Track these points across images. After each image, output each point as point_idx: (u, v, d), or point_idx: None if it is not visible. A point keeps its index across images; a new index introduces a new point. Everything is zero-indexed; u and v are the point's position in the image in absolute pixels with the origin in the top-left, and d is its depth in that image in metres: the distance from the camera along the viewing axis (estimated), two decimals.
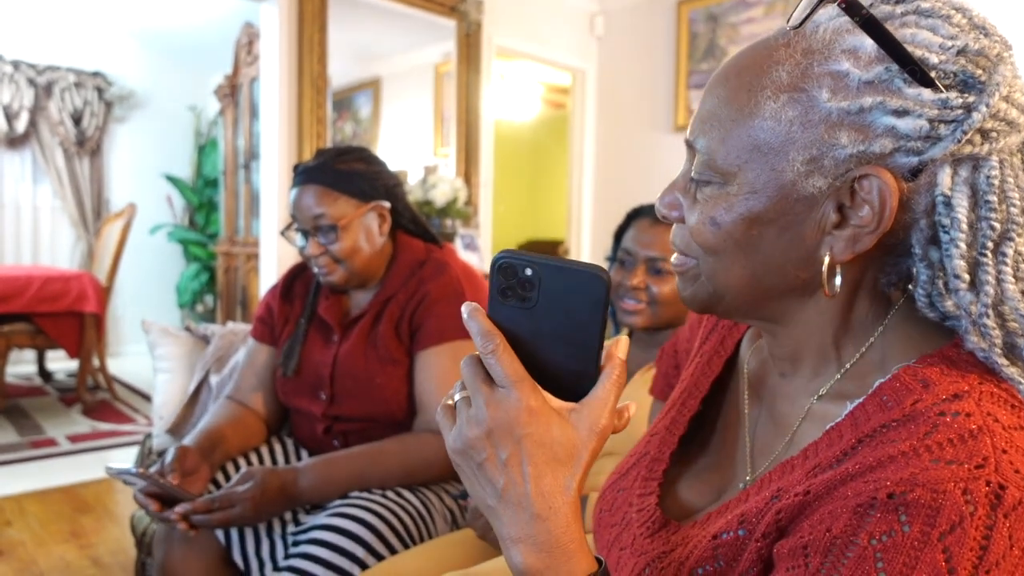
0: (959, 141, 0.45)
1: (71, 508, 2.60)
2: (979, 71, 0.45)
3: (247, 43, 4.28)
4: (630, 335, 1.39)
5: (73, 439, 3.37)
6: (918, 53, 0.45)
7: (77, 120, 5.25)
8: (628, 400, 1.16)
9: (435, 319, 1.33)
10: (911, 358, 0.50)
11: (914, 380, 0.47)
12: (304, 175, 1.34)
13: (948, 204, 0.46)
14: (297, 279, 1.52)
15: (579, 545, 0.47)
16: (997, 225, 0.45)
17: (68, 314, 3.74)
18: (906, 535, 0.40)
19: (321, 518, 1.18)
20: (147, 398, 4.17)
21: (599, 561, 0.48)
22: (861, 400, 0.49)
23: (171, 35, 5.36)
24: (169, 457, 1.20)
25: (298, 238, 1.37)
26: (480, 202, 4.02)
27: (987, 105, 0.44)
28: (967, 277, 0.46)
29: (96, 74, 5.30)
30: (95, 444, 3.31)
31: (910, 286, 0.53)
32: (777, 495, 0.49)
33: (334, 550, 1.11)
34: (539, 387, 0.48)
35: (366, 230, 1.35)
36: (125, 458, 3.13)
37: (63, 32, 5.16)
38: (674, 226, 0.57)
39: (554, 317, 0.47)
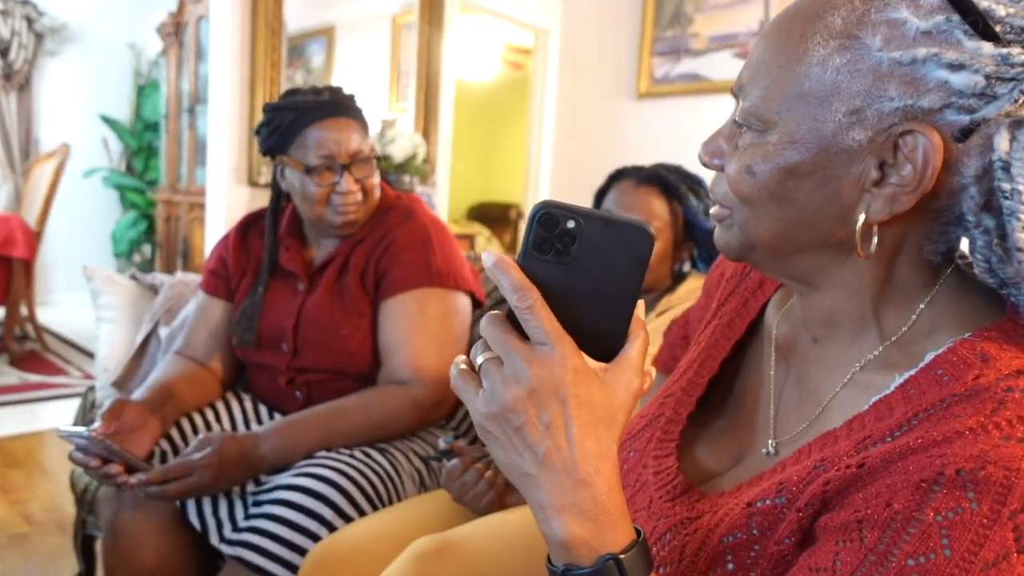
0: (1016, 101, 0.42)
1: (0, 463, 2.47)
2: None
3: None
4: None
5: (0, 391, 3.20)
6: (984, 4, 0.43)
7: (3, 52, 4.89)
8: None
9: (401, 267, 1.29)
10: (965, 331, 0.48)
11: (972, 354, 0.46)
12: (333, 108, 1.29)
13: (1007, 169, 0.44)
14: (251, 229, 1.45)
15: (622, 511, 0.45)
16: None
17: None
18: (975, 512, 0.39)
19: (285, 478, 1.13)
20: (80, 350, 3.99)
21: (637, 531, 0.46)
22: (912, 373, 0.48)
23: None
24: (102, 409, 1.13)
25: (316, 178, 1.27)
26: (438, 160, 3.93)
27: None
28: None
29: (25, 2, 4.92)
30: (23, 396, 3.15)
31: (958, 257, 0.52)
32: (821, 465, 0.47)
33: (300, 511, 1.07)
34: (576, 345, 0.45)
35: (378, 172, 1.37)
36: (60, 411, 2.98)
37: None
38: (715, 175, 0.56)
39: (592, 273, 0.45)
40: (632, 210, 1.27)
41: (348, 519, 1.09)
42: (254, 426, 1.37)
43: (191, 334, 1.40)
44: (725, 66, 3.71)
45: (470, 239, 3.98)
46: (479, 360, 0.46)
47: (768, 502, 0.49)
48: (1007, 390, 0.42)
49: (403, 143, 3.35)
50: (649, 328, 1.26)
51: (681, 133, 3.75)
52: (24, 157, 5.06)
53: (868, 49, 0.45)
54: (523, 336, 0.45)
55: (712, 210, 0.57)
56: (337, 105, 1.29)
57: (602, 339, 0.47)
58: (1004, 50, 0.42)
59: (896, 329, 0.52)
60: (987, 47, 0.42)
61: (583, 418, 0.44)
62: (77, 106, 5.29)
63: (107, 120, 5.36)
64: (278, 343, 1.33)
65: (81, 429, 1.06)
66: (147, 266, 5.28)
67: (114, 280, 1.69)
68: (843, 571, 0.42)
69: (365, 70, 4.48)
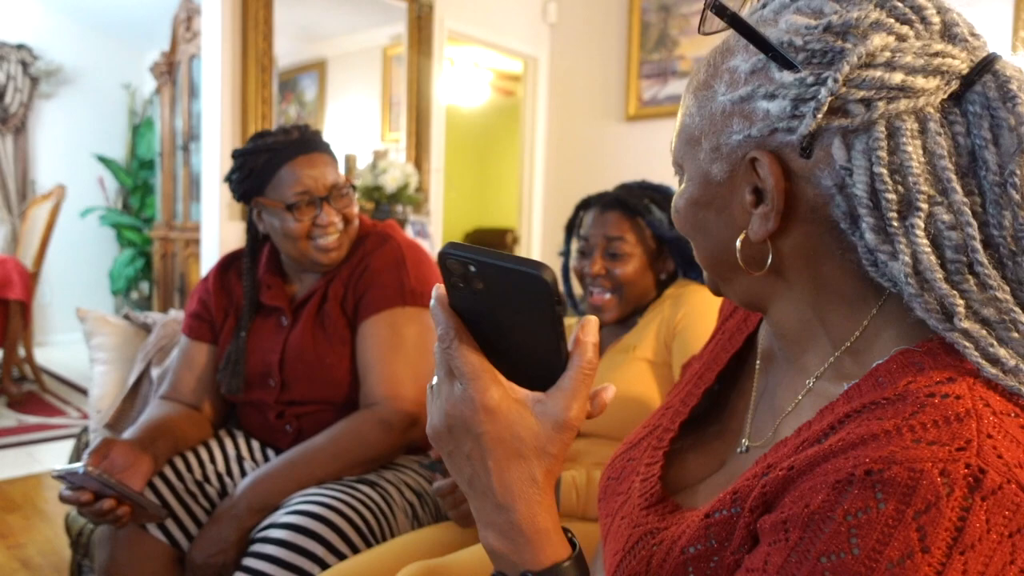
0: (815, 116, 0.45)
1: None
2: (845, 44, 0.45)
3: (186, 18, 4.10)
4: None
5: None
6: (786, 38, 0.47)
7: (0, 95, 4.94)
8: (600, 380, 1.15)
9: (375, 288, 1.31)
10: (911, 341, 0.49)
11: (910, 362, 0.47)
12: (306, 144, 1.31)
13: (851, 175, 0.46)
14: (230, 270, 1.45)
15: (544, 534, 0.48)
16: (891, 196, 0.45)
17: None
18: (881, 512, 0.39)
19: (280, 516, 1.12)
20: (78, 390, 3.98)
21: (572, 544, 0.49)
22: (857, 381, 0.49)
23: (103, 8, 5.08)
24: (89, 449, 1.13)
25: (295, 215, 1.29)
26: (431, 188, 3.95)
27: (835, 79, 0.44)
28: (887, 248, 0.46)
29: (20, 47, 4.99)
30: (22, 439, 3.13)
31: None
32: (767, 471, 0.48)
33: (292, 549, 1.06)
34: (500, 380, 0.48)
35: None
36: (58, 452, 2.97)
37: None
38: None
39: (506, 311, 0.46)
40: (604, 228, 1.31)
41: (341, 556, 1.08)
42: (247, 463, 1.37)
43: (177, 379, 1.40)
44: None
45: None
46: (433, 380, 0.51)
47: (724, 512, 0.50)
48: (929, 395, 0.43)
49: (395, 173, 3.38)
50: (638, 327, 1.26)
51: (670, 154, 3.78)
52: (21, 199, 5.09)
53: (715, 95, 0.51)
54: None
55: None
56: (308, 142, 1.31)
57: (538, 367, 0.48)
58: (800, 75, 0.47)
59: (846, 337, 0.53)
60: (787, 76, 0.47)
61: (498, 452, 0.47)
62: (73, 147, 5.33)
63: (103, 159, 5.40)
64: (265, 379, 1.34)
65: (76, 465, 1.05)
66: (145, 303, 5.28)
67: (107, 321, 1.69)
68: (771, 571, 0.43)
69: (357, 102, 4.52)
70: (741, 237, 0.52)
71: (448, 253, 0.45)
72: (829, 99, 0.45)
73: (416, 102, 3.86)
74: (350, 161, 3.90)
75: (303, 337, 1.31)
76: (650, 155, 3.91)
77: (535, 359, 0.47)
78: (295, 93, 4.71)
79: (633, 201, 1.30)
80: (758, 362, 0.64)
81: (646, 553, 0.55)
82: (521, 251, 4.76)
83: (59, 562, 2.07)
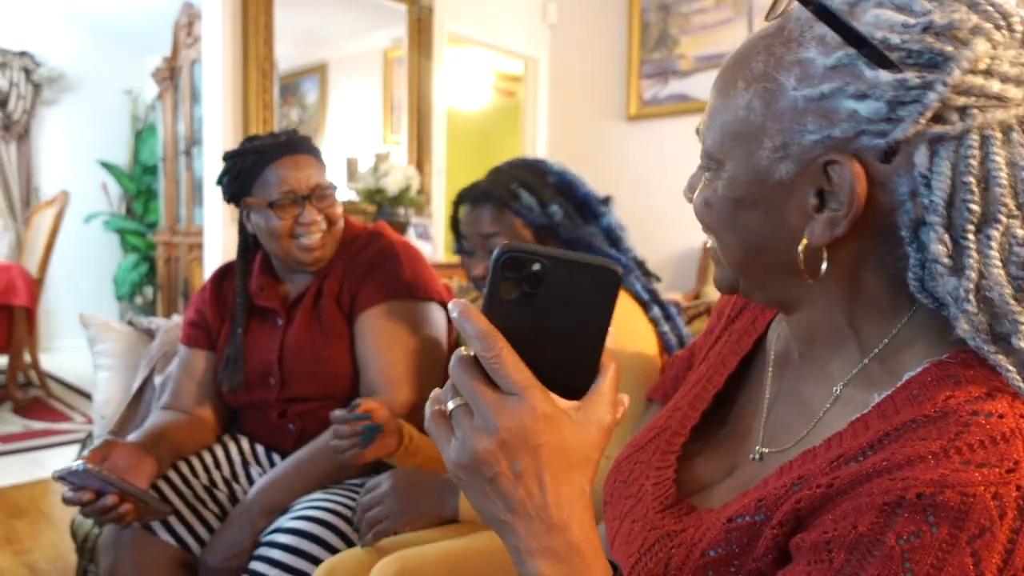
0: (918, 122, 0.44)
1: (4, 513, 2.46)
2: (947, 47, 0.44)
3: (187, 24, 4.11)
4: None
5: (4, 439, 3.20)
6: (880, 35, 0.45)
7: (3, 103, 4.96)
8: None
9: (371, 282, 1.33)
10: (942, 351, 0.49)
11: (945, 375, 0.47)
12: (290, 147, 1.33)
13: (928, 184, 0.45)
14: (226, 278, 1.48)
15: (596, 551, 0.45)
16: (975, 207, 0.44)
17: None
18: (935, 536, 0.39)
19: (284, 521, 1.13)
20: (84, 395, 4.00)
21: (614, 566, 0.46)
22: (889, 392, 0.49)
23: (104, 14, 5.10)
24: (89, 448, 1.14)
25: (278, 214, 1.31)
26: (433, 191, 3.96)
27: (944, 84, 0.43)
28: (948, 261, 0.45)
29: (23, 54, 5.01)
30: (28, 444, 3.15)
31: None
32: (798, 483, 0.48)
33: (295, 553, 1.07)
34: (546, 389, 0.45)
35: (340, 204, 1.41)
36: (64, 457, 2.98)
37: None
38: None
39: (559, 314, 0.45)
40: (477, 235, 1.21)
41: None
42: (254, 468, 1.38)
43: (177, 388, 1.41)
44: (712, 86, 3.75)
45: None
46: (450, 406, 0.46)
47: (747, 518, 0.49)
48: (972, 414, 0.43)
49: (397, 176, 3.38)
50: None
51: (672, 152, 3.78)
52: (25, 206, 5.11)
53: (784, 89, 0.48)
54: (492, 382, 0.44)
55: (709, 244, 0.60)
56: (294, 144, 1.34)
57: (571, 376, 0.46)
58: (900, 76, 0.44)
59: (874, 344, 0.52)
60: (884, 75, 0.44)
61: (555, 465, 0.44)
62: (76, 153, 5.35)
63: (106, 165, 5.42)
64: (265, 378, 1.35)
65: (76, 463, 1.05)
66: (149, 308, 5.30)
67: (110, 327, 1.70)
68: None
69: (358, 105, 4.53)
70: (804, 243, 0.50)
71: (511, 251, 0.44)
72: (935, 105, 0.43)
73: (417, 104, 3.87)
74: (352, 164, 3.91)
75: (300, 334, 1.33)
76: (651, 154, 3.91)
77: (570, 366, 0.46)
78: (296, 96, 4.72)
79: (499, 191, 1.19)
80: (771, 367, 0.63)
81: (664, 555, 0.55)
82: None
83: (65, 567, 2.08)
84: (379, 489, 1.07)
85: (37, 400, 3.83)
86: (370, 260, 1.35)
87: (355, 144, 4.28)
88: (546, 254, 0.44)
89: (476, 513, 0.47)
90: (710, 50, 3.75)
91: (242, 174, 1.33)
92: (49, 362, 4.55)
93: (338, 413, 1.09)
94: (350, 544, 1.11)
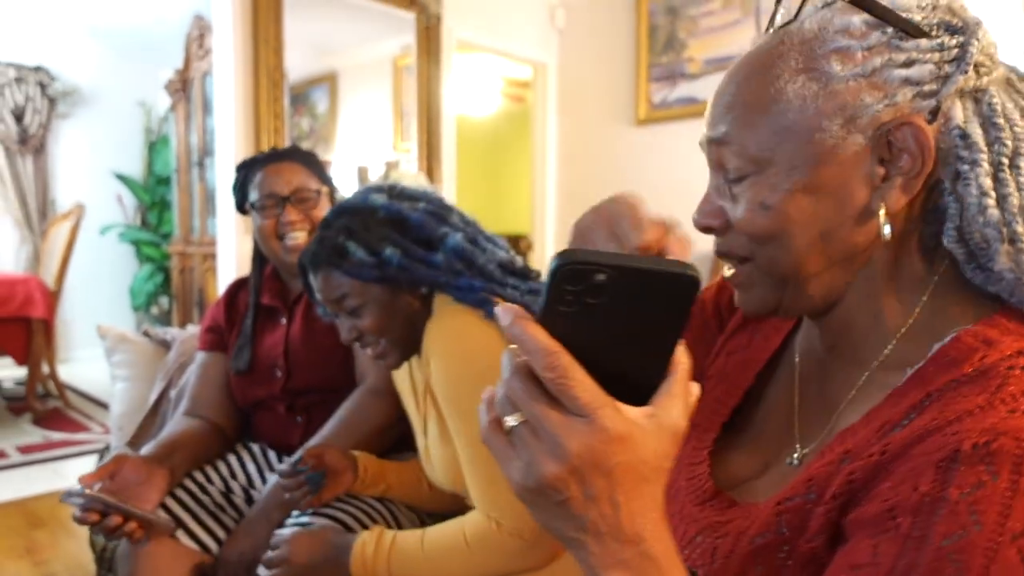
0: (965, 73, 0.50)
1: (24, 523, 2.49)
2: (955, 18, 0.52)
3: (198, 36, 4.15)
4: None
5: (24, 450, 3.24)
6: (903, 15, 0.52)
7: (19, 117, 5.03)
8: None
9: None
10: (967, 322, 0.51)
11: (976, 340, 0.49)
12: (277, 156, 1.45)
13: (964, 137, 0.50)
14: (240, 290, 1.56)
15: (672, 561, 0.44)
16: (1009, 143, 0.50)
17: (14, 320, 3.59)
18: (996, 485, 0.40)
19: (288, 530, 1.14)
20: (102, 405, 4.03)
21: (692, 573, 0.46)
22: (922, 364, 0.50)
23: (118, 28, 5.17)
24: (101, 462, 1.17)
25: (261, 214, 1.42)
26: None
27: (978, 39, 0.50)
28: (993, 194, 0.49)
29: (38, 69, 5.08)
30: (47, 455, 3.18)
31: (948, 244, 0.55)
32: (846, 457, 0.48)
33: None
34: (616, 402, 0.42)
35: (329, 208, 1.44)
36: (83, 468, 3.01)
37: (2, 25, 4.93)
38: (718, 242, 0.59)
39: (626, 321, 0.40)
40: (330, 303, 1.12)
41: None
42: (267, 474, 1.40)
43: (194, 392, 1.47)
44: None
45: None
46: (510, 422, 0.42)
47: (797, 499, 0.50)
48: (1009, 368, 0.45)
49: (406, 183, 3.40)
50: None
51: (681, 156, 3.77)
52: (41, 218, 5.17)
53: (832, 72, 0.52)
54: (554, 400, 0.41)
55: (727, 274, 0.59)
56: (281, 153, 1.46)
57: (638, 380, 0.43)
58: (938, 40, 0.51)
59: (900, 324, 0.55)
60: (924, 42, 0.51)
61: (629, 482, 0.42)
62: (91, 165, 5.41)
63: (121, 177, 5.48)
64: (272, 371, 1.42)
65: (77, 488, 1.08)
66: (165, 318, 5.35)
67: (127, 338, 1.72)
68: (884, 563, 0.42)
69: (368, 113, 4.55)
70: (883, 208, 0.52)
71: (569, 260, 0.39)
72: (976, 58, 0.50)
73: (427, 111, 3.88)
74: (362, 172, 3.93)
75: (301, 329, 1.42)
76: (661, 158, 3.90)
77: (637, 370, 0.42)
78: (307, 106, 4.76)
79: (327, 252, 1.08)
80: (797, 368, 0.64)
81: (709, 545, 0.55)
82: (535, 257, 4.76)
83: None
84: (278, 552, 1.07)
85: (56, 411, 3.87)
86: None
87: (366, 152, 4.31)
88: (611, 263, 0.39)
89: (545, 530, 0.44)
90: (719, 52, 3.74)
91: (242, 183, 1.45)
92: (67, 373, 4.60)
93: (282, 467, 1.15)
94: None
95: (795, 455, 0.59)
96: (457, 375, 1.01)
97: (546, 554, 1.00)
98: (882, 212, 0.52)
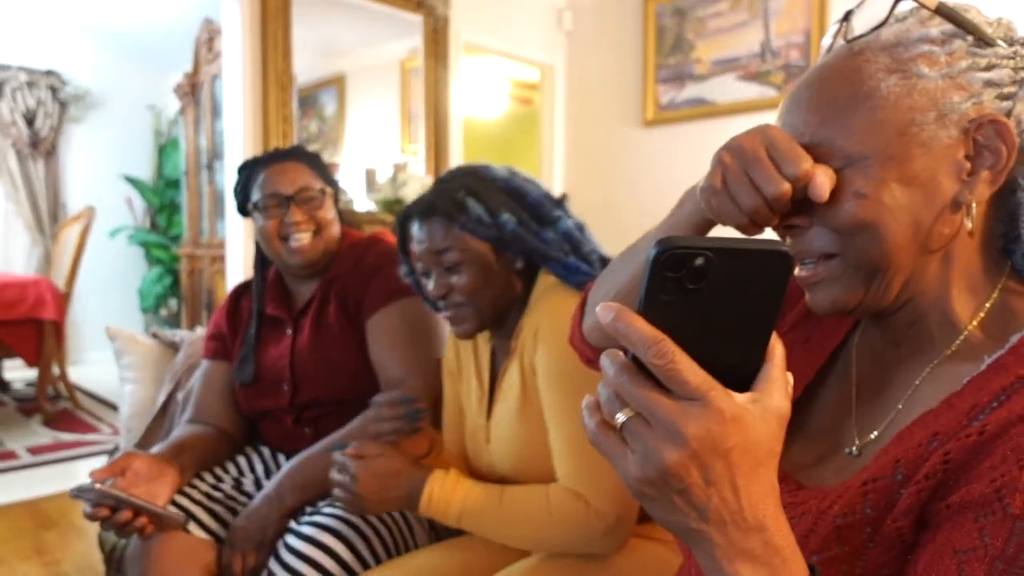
0: None
1: (34, 524, 2.51)
2: (1014, 32, 0.57)
3: (207, 40, 4.18)
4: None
5: (34, 451, 3.26)
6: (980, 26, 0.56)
7: (30, 121, 5.07)
8: (507, 420, 1.10)
9: (374, 285, 1.37)
10: None
11: None
12: (282, 155, 1.42)
13: None
14: (243, 296, 1.54)
15: (793, 549, 0.44)
16: None
17: (25, 321, 3.62)
18: None
19: (301, 526, 1.15)
20: (112, 406, 4.06)
21: (811, 568, 0.45)
22: (1001, 353, 0.52)
23: (127, 32, 5.21)
24: (109, 460, 1.17)
25: (264, 215, 1.39)
26: None
27: None
28: None
29: (49, 73, 5.13)
30: (58, 456, 3.20)
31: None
32: (935, 439, 0.49)
33: (308, 563, 1.08)
34: (725, 388, 0.43)
35: (332, 210, 1.44)
36: (93, 468, 3.03)
37: (14, 30, 4.98)
38: (795, 242, 0.59)
39: (725, 305, 0.42)
40: (429, 252, 1.12)
41: (351, 572, 1.09)
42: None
43: (199, 400, 1.46)
44: (729, 89, 3.73)
45: None
46: (619, 418, 0.43)
47: (884, 480, 0.50)
48: None
49: (415, 185, 3.41)
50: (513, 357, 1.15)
51: (690, 157, 3.77)
52: (52, 221, 5.21)
53: (921, 72, 0.55)
54: (664, 389, 0.42)
55: (803, 274, 0.59)
56: (284, 153, 1.42)
57: (739, 365, 0.44)
58: (1013, 48, 0.56)
59: (970, 317, 0.57)
60: (1001, 49, 0.55)
61: (746, 465, 0.42)
62: (101, 168, 5.45)
63: (130, 180, 5.51)
64: (279, 385, 1.39)
65: (86, 483, 1.08)
66: (174, 320, 5.37)
67: (136, 340, 1.73)
68: (994, 544, 0.42)
69: (376, 115, 4.57)
70: (973, 201, 0.55)
71: (667, 247, 0.40)
72: None
73: (434, 114, 3.89)
74: (370, 175, 3.94)
75: (308, 341, 1.39)
76: (669, 159, 3.90)
77: (737, 356, 0.43)
78: (315, 109, 4.77)
79: (444, 203, 1.10)
80: (854, 364, 0.65)
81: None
82: None
83: None
84: (347, 472, 1.06)
85: (66, 412, 3.90)
86: (372, 265, 1.40)
87: (373, 154, 4.32)
88: (710, 246, 0.41)
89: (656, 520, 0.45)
90: (726, 54, 3.74)
91: (244, 185, 1.42)
92: (77, 374, 4.63)
93: (381, 397, 1.11)
94: (360, 558, 1.11)
95: (854, 446, 0.59)
96: (569, 354, 0.98)
97: (618, 544, 1.01)
98: (972, 202, 0.55)
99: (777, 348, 0.44)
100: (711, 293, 0.41)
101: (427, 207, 1.13)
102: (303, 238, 1.38)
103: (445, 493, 1.03)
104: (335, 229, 1.44)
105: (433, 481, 1.04)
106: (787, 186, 0.54)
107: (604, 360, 0.43)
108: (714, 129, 3.75)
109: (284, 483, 1.22)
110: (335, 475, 1.08)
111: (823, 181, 0.54)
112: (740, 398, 0.42)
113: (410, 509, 1.06)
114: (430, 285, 1.13)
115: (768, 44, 3.59)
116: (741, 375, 0.44)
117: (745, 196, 0.55)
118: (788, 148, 0.54)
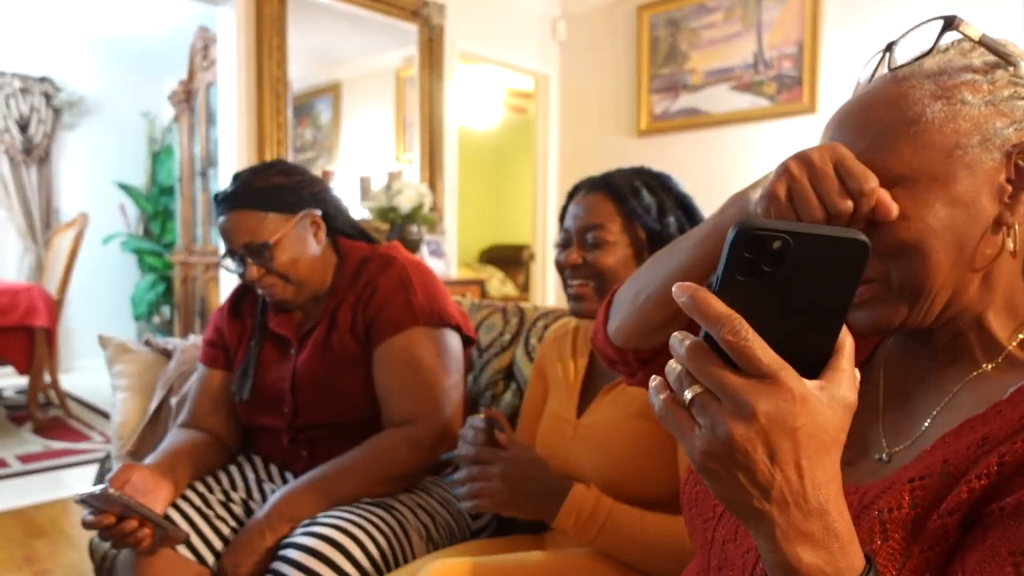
0: None
1: (24, 532, 2.49)
2: None
3: (203, 47, 4.18)
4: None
5: (24, 459, 3.24)
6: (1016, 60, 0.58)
7: (24, 127, 5.07)
8: (603, 423, 1.10)
9: (385, 311, 1.32)
10: None
11: None
12: (226, 203, 1.31)
13: None
14: (244, 297, 1.49)
15: (852, 536, 0.44)
16: None
17: (17, 328, 3.60)
18: None
19: (296, 536, 1.14)
20: (103, 414, 4.04)
21: (868, 558, 0.45)
22: None
23: (122, 39, 5.21)
24: (109, 475, 1.16)
25: (234, 264, 1.33)
26: (445, 208, 3.98)
27: None
28: None
29: (43, 79, 5.12)
30: (48, 464, 3.18)
31: None
32: (984, 442, 0.50)
33: (304, 572, 1.07)
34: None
35: (300, 241, 1.33)
36: (83, 477, 3.01)
37: (7, 36, 4.98)
38: None
39: (800, 290, 0.43)
40: (581, 218, 1.16)
41: None
42: (267, 485, 1.39)
43: (194, 406, 1.43)
44: (722, 99, 3.75)
45: (481, 283, 4.01)
46: (687, 395, 0.44)
47: (933, 478, 0.51)
48: None
49: (409, 193, 3.41)
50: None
51: (683, 167, 3.78)
52: (45, 227, 5.20)
53: (965, 99, 0.57)
54: (734, 367, 0.43)
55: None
56: (227, 198, 1.31)
57: (809, 352, 0.45)
58: None
59: (1012, 335, 0.59)
60: None
61: (812, 448, 0.43)
62: (95, 175, 5.44)
63: (124, 187, 5.50)
64: (279, 405, 1.36)
65: (96, 488, 1.07)
66: (167, 327, 5.35)
67: (128, 348, 1.72)
68: None
69: (371, 123, 4.58)
70: (1016, 224, 0.56)
71: (752, 229, 0.41)
72: None
73: (429, 122, 3.90)
74: (365, 183, 3.95)
75: (311, 362, 1.33)
76: (663, 169, 3.91)
77: (808, 342, 0.44)
78: (311, 117, 4.78)
79: (620, 183, 1.15)
80: (882, 375, 0.66)
81: None
82: (538, 267, 4.77)
83: None
84: (491, 468, 1.06)
85: (57, 420, 3.87)
86: (383, 288, 1.33)
87: (368, 163, 4.33)
88: (790, 230, 0.41)
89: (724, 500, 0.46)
90: (720, 64, 3.76)
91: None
92: (69, 382, 4.61)
93: (480, 418, 1.11)
94: (358, 566, 1.11)
95: (883, 453, 0.61)
96: None
97: None
98: (1017, 226, 0.56)
99: (848, 340, 0.45)
100: (787, 277, 0.42)
101: (602, 181, 1.17)
102: (270, 288, 1.33)
103: (590, 504, 1.02)
104: (304, 264, 1.34)
105: (578, 488, 1.04)
106: (850, 203, 0.56)
107: (674, 339, 0.45)
108: (707, 139, 3.77)
109: (273, 514, 1.18)
110: (472, 466, 1.07)
111: (889, 200, 0.56)
112: (809, 383, 0.44)
113: (540, 514, 1.04)
114: (567, 255, 1.16)
115: (761, 55, 3.61)
116: (810, 362, 0.44)
117: (809, 208, 0.56)
118: (856, 165, 0.56)
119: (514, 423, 1.40)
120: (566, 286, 1.20)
